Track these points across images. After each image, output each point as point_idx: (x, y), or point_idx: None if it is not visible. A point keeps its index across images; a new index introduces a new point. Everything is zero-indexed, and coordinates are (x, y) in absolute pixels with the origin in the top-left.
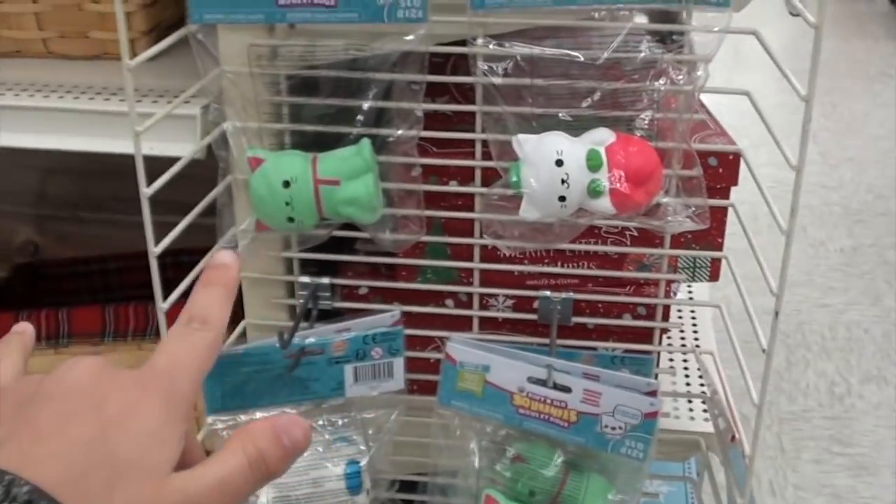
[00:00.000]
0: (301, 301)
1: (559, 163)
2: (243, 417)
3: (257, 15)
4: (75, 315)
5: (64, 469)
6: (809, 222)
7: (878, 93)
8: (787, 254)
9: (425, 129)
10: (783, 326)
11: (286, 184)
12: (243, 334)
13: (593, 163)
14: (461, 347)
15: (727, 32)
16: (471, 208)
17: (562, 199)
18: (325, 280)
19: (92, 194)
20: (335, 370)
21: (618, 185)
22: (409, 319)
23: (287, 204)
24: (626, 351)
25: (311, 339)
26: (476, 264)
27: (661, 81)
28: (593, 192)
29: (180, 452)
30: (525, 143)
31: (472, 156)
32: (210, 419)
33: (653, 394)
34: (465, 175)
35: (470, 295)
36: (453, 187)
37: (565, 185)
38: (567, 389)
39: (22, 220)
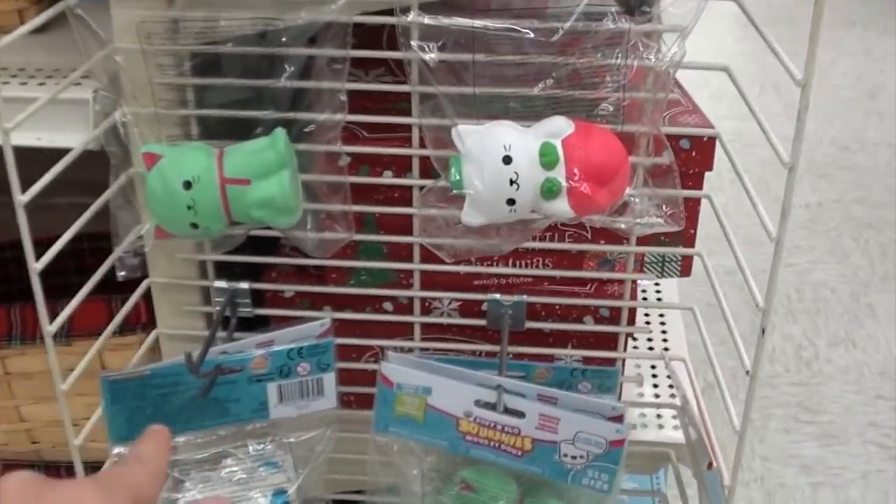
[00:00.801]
0: (216, 309)
1: (507, 160)
2: None
3: None
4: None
5: None
6: (772, 177)
7: (842, 40)
8: (776, 262)
9: (355, 108)
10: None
11: (187, 184)
12: (156, 346)
13: (547, 159)
14: (398, 368)
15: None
16: (408, 202)
17: (510, 202)
18: (244, 285)
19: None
20: (256, 389)
21: (576, 184)
22: (342, 326)
23: (189, 208)
24: (587, 360)
25: (227, 356)
26: (415, 265)
27: (629, 58)
28: (547, 192)
29: None
30: (466, 136)
31: (408, 142)
32: (115, 450)
33: (618, 419)
34: (401, 164)
35: (410, 298)
36: (386, 179)
37: (514, 185)
38: (520, 414)
39: None
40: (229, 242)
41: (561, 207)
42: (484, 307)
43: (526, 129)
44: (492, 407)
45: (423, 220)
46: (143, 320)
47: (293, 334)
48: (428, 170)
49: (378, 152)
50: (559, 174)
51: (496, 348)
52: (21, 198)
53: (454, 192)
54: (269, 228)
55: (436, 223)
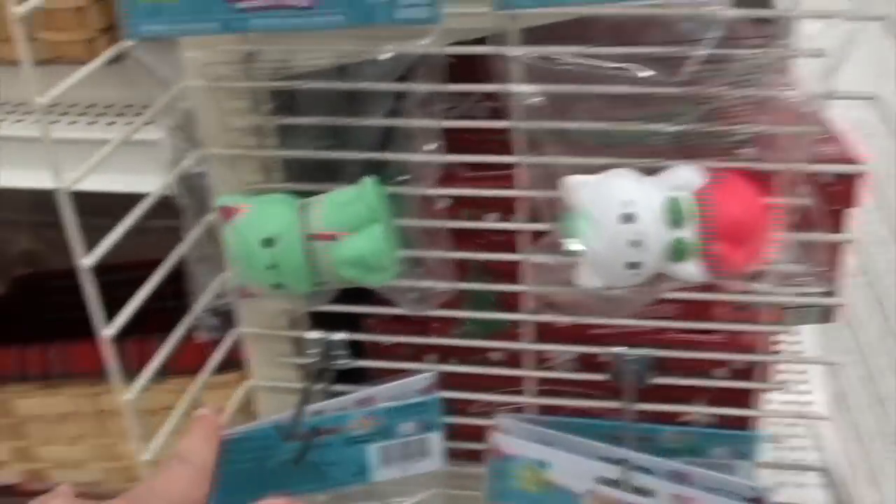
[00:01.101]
0: (311, 362)
1: (627, 218)
2: None
3: (211, 24)
4: (72, 352)
5: None
6: None
7: None
8: None
9: (451, 142)
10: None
11: (268, 242)
12: (248, 404)
13: (674, 217)
14: (511, 440)
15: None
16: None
17: (632, 265)
18: (340, 335)
19: (95, 198)
20: (356, 451)
21: (709, 244)
22: (448, 377)
23: (270, 267)
24: (722, 420)
25: (324, 417)
26: (526, 315)
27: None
28: (675, 254)
29: None
30: (577, 190)
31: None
32: None
33: (757, 501)
34: (509, 206)
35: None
36: (491, 223)
37: (636, 247)
38: (649, 493)
39: (19, 229)
40: (318, 299)
41: (691, 271)
42: (602, 357)
43: (648, 180)
44: (617, 484)
45: (535, 272)
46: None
47: (395, 389)
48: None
49: (480, 195)
50: (689, 233)
51: (617, 405)
52: (85, 261)
53: (568, 251)
54: None
55: (548, 277)
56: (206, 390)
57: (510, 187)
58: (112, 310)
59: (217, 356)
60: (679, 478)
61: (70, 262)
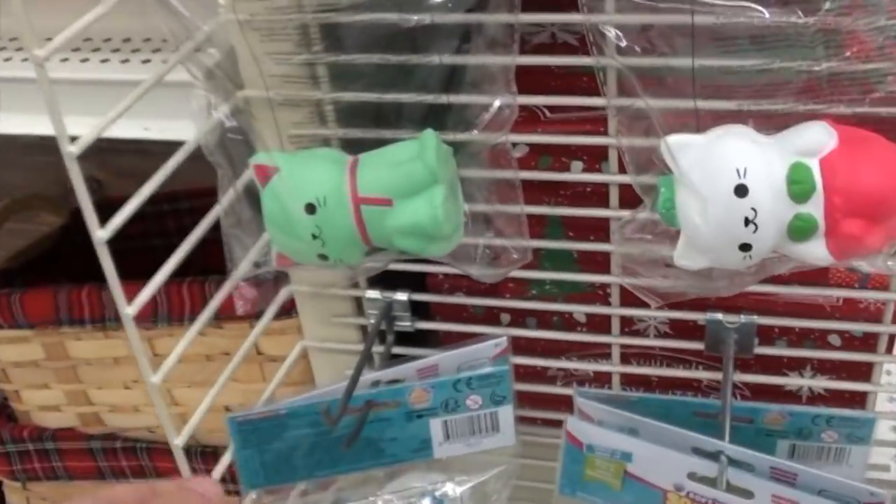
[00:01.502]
0: (370, 323)
1: (741, 190)
2: (294, 493)
3: None
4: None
5: None
6: None
7: None
8: None
9: (528, 77)
10: None
11: (311, 208)
12: (305, 360)
13: (800, 188)
14: (592, 428)
15: None
16: (604, 198)
17: (745, 247)
18: (402, 296)
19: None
20: (417, 426)
21: (839, 221)
22: (521, 341)
23: (315, 237)
24: (832, 397)
25: (381, 390)
26: (613, 277)
27: None
28: (797, 232)
29: None
30: (681, 152)
31: (604, 123)
32: (252, 495)
33: None
34: (596, 152)
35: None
36: (575, 174)
37: (751, 226)
38: (747, 494)
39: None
40: (370, 271)
41: (815, 251)
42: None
43: (766, 142)
44: (711, 482)
45: (622, 246)
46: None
47: (461, 356)
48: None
49: (562, 142)
50: (815, 208)
51: (715, 376)
52: (101, 234)
53: (665, 223)
54: None
55: (638, 258)
56: (264, 336)
57: (598, 132)
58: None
59: (270, 311)
60: (783, 478)
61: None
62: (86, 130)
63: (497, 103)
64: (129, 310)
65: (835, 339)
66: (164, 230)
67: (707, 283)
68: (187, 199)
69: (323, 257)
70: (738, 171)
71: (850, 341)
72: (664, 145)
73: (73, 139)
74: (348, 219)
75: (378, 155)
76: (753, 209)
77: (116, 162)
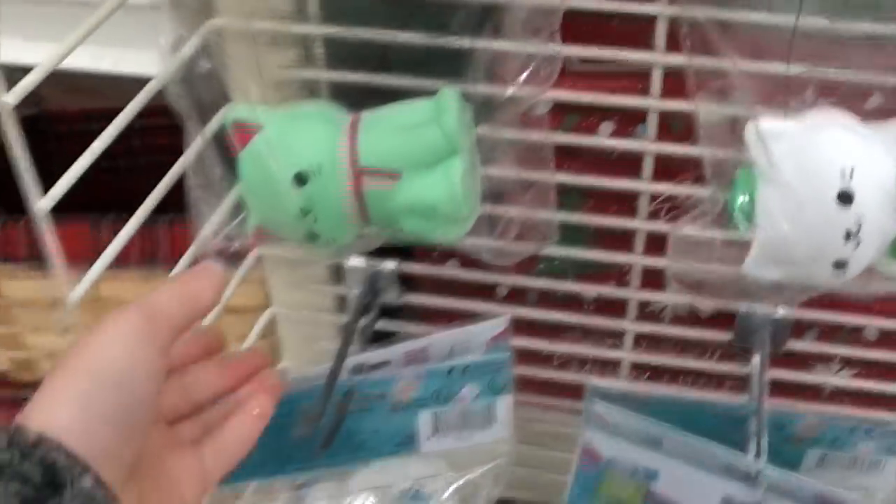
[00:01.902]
0: (354, 294)
1: (846, 198)
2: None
3: None
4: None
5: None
6: None
7: None
8: None
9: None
10: None
11: (301, 178)
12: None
13: None
14: (610, 441)
15: None
16: (632, 166)
17: (840, 264)
18: (389, 264)
19: None
20: (403, 418)
21: None
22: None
23: (305, 213)
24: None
25: (365, 378)
26: (637, 257)
27: None
28: None
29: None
30: (774, 140)
31: (644, 81)
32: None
33: None
34: (630, 114)
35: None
36: (603, 139)
37: (852, 241)
38: None
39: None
40: (363, 245)
41: None
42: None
43: (871, 135)
44: None
45: (679, 245)
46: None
47: (454, 338)
48: (669, 123)
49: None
50: None
51: (741, 371)
52: (42, 205)
53: (734, 224)
54: None
55: (691, 249)
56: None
57: (634, 89)
58: None
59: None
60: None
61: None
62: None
63: (542, 53)
64: (42, 203)
65: (871, 333)
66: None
67: (771, 293)
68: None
69: (312, 236)
70: (843, 172)
71: (888, 336)
72: (751, 131)
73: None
74: (345, 192)
75: (384, 116)
76: (858, 221)
77: (60, 75)
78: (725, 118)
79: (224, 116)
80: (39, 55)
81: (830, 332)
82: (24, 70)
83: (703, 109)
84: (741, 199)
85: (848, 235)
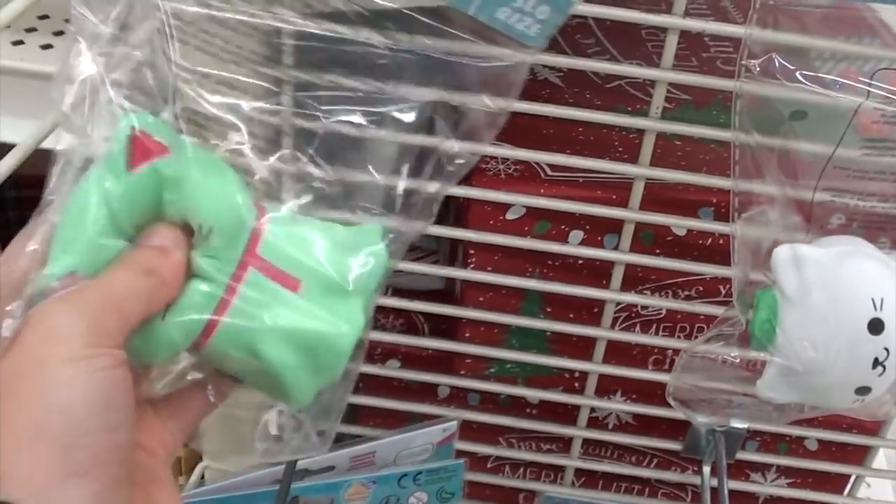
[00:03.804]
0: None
1: (876, 326)
2: None
3: None
4: None
5: None
6: None
7: None
8: None
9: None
10: None
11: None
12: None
13: None
14: None
15: None
16: (598, 272)
17: (863, 390)
18: None
19: None
20: None
21: None
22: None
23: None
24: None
25: (311, 484)
26: (595, 365)
27: None
28: None
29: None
30: (800, 267)
31: (622, 191)
32: None
33: None
34: (597, 226)
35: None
36: (571, 247)
37: (878, 368)
38: None
39: None
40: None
41: None
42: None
43: (894, 267)
44: None
45: (688, 366)
46: None
47: (402, 443)
48: (641, 234)
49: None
50: None
51: (691, 481)
52: None
53: (754, 346)
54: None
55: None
56: None
57: (609, 200)
58: None
59: None
60: None
61: None
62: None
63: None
64: None
65: (812, 444)
66: None
67: (775, 413)
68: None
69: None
70: (874, 302)
71: (827, 446)
72: (780, 255)
73: None
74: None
75: (298, 219)
76: (886, 349)
77: None
78: (758, 240)
79: (125, 121)
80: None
81: (772, 442)
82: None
83: (741, 231)
84: (761, 322)
85: (876, 363)
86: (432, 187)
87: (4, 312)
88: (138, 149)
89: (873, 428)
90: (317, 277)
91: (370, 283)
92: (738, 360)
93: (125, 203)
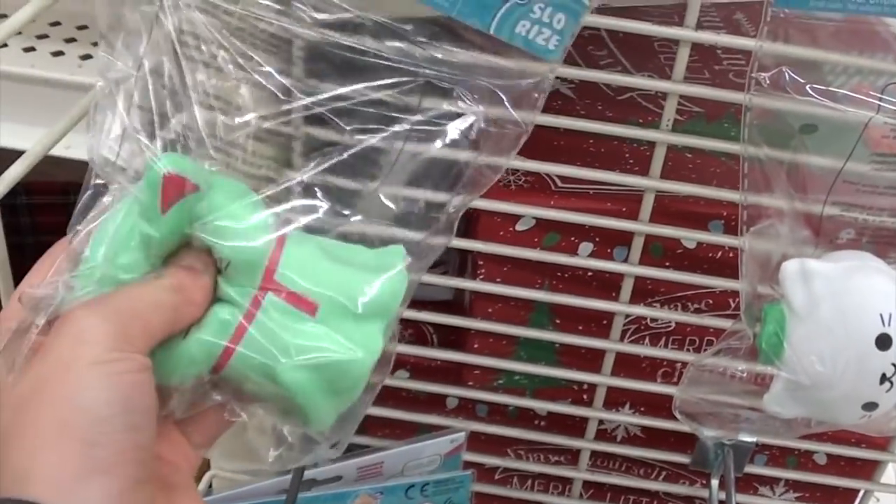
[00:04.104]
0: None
1: (885, 342)
2: None
3: None
4: None
5: None
6: None
7: None
8: None
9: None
10: None
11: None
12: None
13: None
14: None
15: None
16: (607, 284)
17: (870, 406)
18: None
19: None
20: None
21: None
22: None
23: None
24: None
25: (318, 495)
26: (603, 377)
27: None
28: None
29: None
30: (809, 281)
31: (632, 203)
32: None
33: None
34: (606, 238)
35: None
36: (581, 259)
37: (887, 384)
38: None
39: None
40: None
41: None
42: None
43: None
44: None
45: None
46: None
47: (410, 453)
48: (651, 247)
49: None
50: None
51: (699, 494)
52: None
53: (761, 360)
54: None
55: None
56: None
57: (618, 212)
58: None
59: None
60: None
61: None
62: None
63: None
64: None
65: (821, 458)
66: None
67: (781, 427)
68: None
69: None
70: (882, 317)
71: (835, 461)
72: (789, 270)
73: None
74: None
75: (317, 239)
76: (894, 364)
77: None
78: (767, 254)
79: (154, 164)
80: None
81: (780, 455)
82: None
83: (750, 244)
84: (768, 335)
85: (883, 378)
86: (455, 202)
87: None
88: (171, 190)
89: (882, 443)
90: (333, 301)
91: (390, 305)
92: (745, 374)
93: (159, 245)
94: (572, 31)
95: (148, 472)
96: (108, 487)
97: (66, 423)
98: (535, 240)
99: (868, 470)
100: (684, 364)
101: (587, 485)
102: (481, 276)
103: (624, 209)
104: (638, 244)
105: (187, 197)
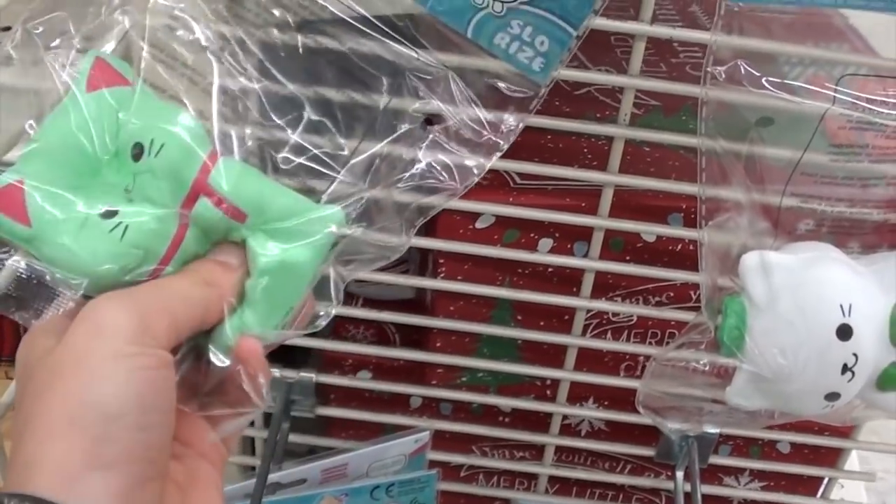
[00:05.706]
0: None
1: (845, 332)
2: None
3: None
4: None
5: None
6: None
7: None
8: None
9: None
10: None
11: (138, 150)
12: None
13: None
14: None
15: None
16: (568, 280)
17: (832, 396)
18: (309, 375)
19: None
20: None
21: None
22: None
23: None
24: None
25: (282, 498)
26: (566, 372)
27: None
28: (888, 381)
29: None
30: (768, 273)
31: (591, 198)
32: None
33: None
34: (566, 234)
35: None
36: (541, 255)
37: (847, 374)
38: None
39: None
40: None
41: None
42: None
43: (864, 272)
44: None
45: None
46: None
47: (376, 454)
48: (611, 241)
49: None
50: None
51: (664, 486)
52: None
53: (723, 353)
54: None
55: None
56: None
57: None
58: None
59: None
60: None
61: None
62: None
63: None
64: None
65: (784, 447)
66: None
67: (745, 419)
68: None
69: (117, 228)
70: (842, 308)
71: (799, 449)
72: (748, 262)
73: None
74: (175, 199)
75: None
76: (855, 354)
77: None
78: (726, 247)
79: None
80: None
81: (745, 445)
82: None
83: (709, 237)
84: (730, 329)
85: (845, 368)
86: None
87: None
88: (98, 72)
89: (845, 430)
90: (263, 213)
91: (322, 240)
92: (707, 367)
93: (84, 120)
94: (559, 56)
95: (158, 469)
96: (111, 484)
97: (76, 417)
98: (495, 237)
99: (832, 457)
100: (647, 357)
101: (552, 480)
102: (442, 275)
103: (583, 204)
104: (598, 239)
105: (116, 88)
